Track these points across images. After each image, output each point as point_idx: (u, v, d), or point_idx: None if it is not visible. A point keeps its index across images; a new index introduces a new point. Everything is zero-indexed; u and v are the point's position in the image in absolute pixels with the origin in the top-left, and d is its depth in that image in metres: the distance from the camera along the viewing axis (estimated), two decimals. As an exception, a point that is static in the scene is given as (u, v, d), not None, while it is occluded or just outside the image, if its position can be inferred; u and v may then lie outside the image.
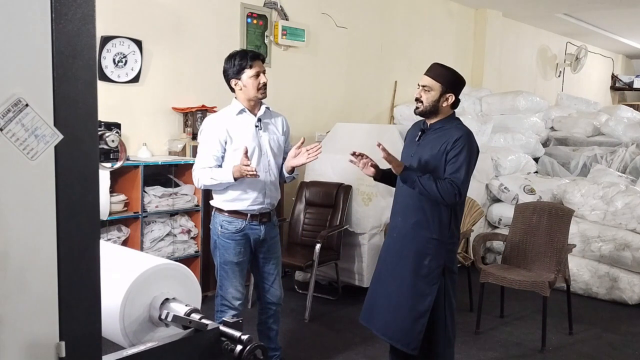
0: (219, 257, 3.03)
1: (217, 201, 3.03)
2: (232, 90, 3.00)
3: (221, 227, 3.00)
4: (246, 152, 2.81)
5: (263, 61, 3.00)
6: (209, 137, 2.97)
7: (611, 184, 5.06)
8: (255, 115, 3.00)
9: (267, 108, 3.05)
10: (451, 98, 2.70)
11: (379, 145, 2.63)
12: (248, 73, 2.90)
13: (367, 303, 2.93)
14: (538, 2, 7.39)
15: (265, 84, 2.95)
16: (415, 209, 2.71)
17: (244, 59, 2.90)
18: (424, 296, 2.69)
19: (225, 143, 2.94)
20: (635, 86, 11.68)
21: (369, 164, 2.71)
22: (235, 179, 2.85)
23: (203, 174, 2.93)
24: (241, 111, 2.98)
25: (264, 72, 2.95)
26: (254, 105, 3.00)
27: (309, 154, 2.93)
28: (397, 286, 2.76)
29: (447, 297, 2.74)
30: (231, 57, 2.95)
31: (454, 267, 2.80)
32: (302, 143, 2.98)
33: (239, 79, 2.92)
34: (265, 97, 2.99)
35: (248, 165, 2.77)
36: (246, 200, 2.97)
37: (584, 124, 7.33)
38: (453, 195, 2.60)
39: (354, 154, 2.72)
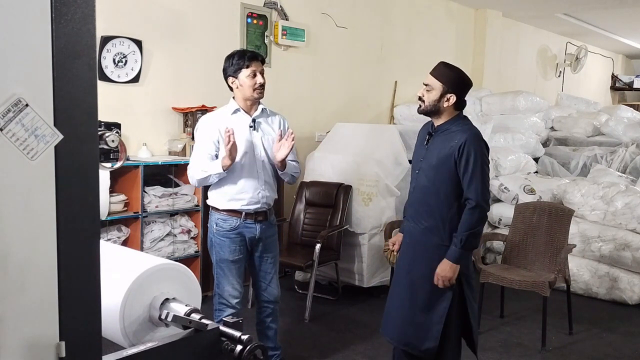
0: (215, 255, 3.06)
1: (212, 200, 3.06)
2: (231, 89, 3.03)
3: (216, 225, 3.03)
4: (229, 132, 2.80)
5: (262, 62, 3.01)
6: (202, 137, 3.00)
7: (611, 184, 5.06)
8: (250, 115, 3.02)
9: (264, 108, 3.07)
10: (452, 98, 2.65)
11: None
12: (245, 72, 2.93)
13: (385, 311, 2.92)
14: (538, 2, 7.39)
15: (262, 85, 2.97)
16: (427, 214, 2.70)
17: (242, 59, 2.93)
18: (438, 303, 2.67)
19: (218, 142, 2.96)
20: (635, 86, 11.67)
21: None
22: (224, 169, 2.87)
23: (197, 169, 2.96)
24: (236, 111, 3.00)
25: (261, 73, 2.97)
26: (251, 105, 3.02)
27: (287, 142, 2.94)
28: (411, 293, 2.75)
29: (467, 302, 2.72)
30: (230, 56, 2.99)
31: (470, 271, 2.77)
32: (280, 137, 2.99)
33: (236, 78, 2.95)
34: (261, 97, 3.00)
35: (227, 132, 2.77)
36: (241, 200, 2.99)
37: (584, 124, 7.33)
38: (481, 213, 2.61)
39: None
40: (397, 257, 2.95)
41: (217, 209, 3.03)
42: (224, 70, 3.00)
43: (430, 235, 2.70)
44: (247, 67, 2.92)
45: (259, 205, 3.02)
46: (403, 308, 2.78)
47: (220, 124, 2.96)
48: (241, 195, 2.98)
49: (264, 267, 3.14)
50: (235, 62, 2.93)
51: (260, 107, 3.04)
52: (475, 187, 2.59)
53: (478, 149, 2.61)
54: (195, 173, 2.96)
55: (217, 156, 2.97)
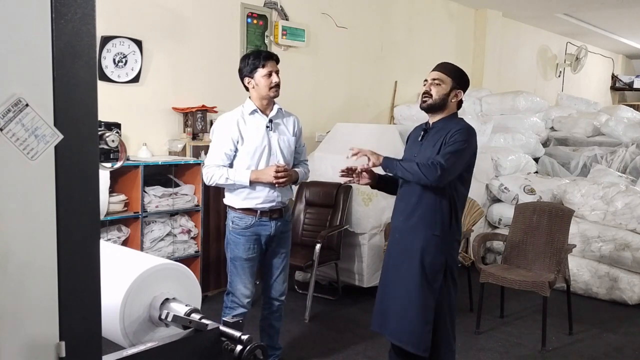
0: (229, 253, 3.10)
1: (229, 199, 3.10)
2: (247, 89, 3.07)
3: (232, 223, 3.07)
4: (278, 167, 2.97)
5: (277, 62, 3.06)
6: (222, 135, 3.03)
7: (611, 184, 5.05)
8: (267, 115, 3.05)
9: (280, 109, 3.10)
10: (460, 94, 2.71)
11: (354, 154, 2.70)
12: (261, 72, 2.97)
13: (376, 308, 2.90)
14: (538, 2, 7.39)
15: (277, 84, 3.01)
16: (417, 208, 2.70)
17: (258, 59, 2.98)
18: (429, 294, 2.68)
19: (237, 142, 2.99)
20: (635, 86, 11.68)
21: (362, 173, 2.74)
22: (250, 183, 2.95)
23: (217, 172, 2.99)
24: (253, 111, 3.04)
25: (276, 72, 3.01)
26: (267, 104, 3.05)
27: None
28: (404, 287, 2.74)
29: (449, 295, 2.73)
30: (246, 57, 3.05)
31: (455, 264, 2.79)
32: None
33: (252, 78, 2.99)
34: (277, 96, 3.05)
35: (279, 170, 2.93)
36: (256, 199, 3.03)
37: (584, 124, 7.33)
38: (435, 171, 2.54)
39: (343, 171, 2.77)
40: (386, 252, 2.96)
41: (233, 208, 3.08)
42: (240, 71, 3.04)
43: (420, 227, 2.70)
44: (263, 66, 2.96)
45: (274, 204, 3.06)
46: (397, 304, 2.77)
47: (239, 123, 3.01)
48: (256, 194, 3.02)
49: (274, 261, 3.18)
50: (251, 62, 2.98)
51: (276, 107, 3.08)
52: (453, 163, 2.58)
53: (469, 139, 2.65)
54: (216, 178, 2.99)
55: (234, 155, 3.02)
